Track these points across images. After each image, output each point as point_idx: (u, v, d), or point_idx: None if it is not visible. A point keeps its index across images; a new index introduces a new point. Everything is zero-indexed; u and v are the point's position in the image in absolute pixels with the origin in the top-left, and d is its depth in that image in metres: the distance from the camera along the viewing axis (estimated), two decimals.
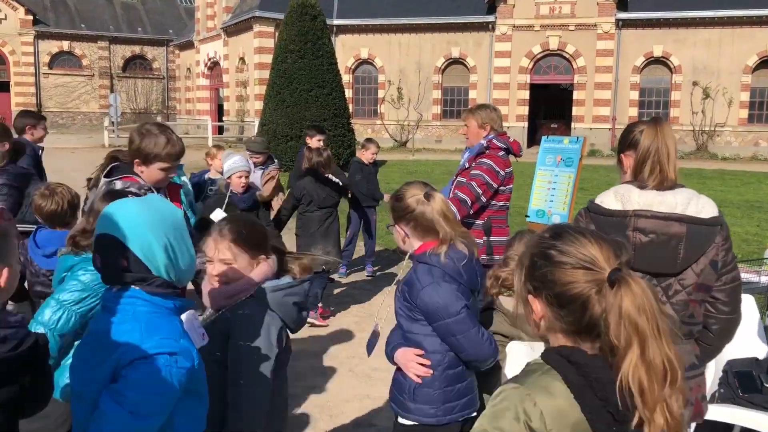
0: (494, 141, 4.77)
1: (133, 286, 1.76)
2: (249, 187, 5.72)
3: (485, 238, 4.68)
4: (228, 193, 5.56)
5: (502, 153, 4.78)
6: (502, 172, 4.68)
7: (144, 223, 1.76)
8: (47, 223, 3.70)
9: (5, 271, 1.55)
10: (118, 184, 3.17)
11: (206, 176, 6.63)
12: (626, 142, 2.53)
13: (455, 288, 2.56)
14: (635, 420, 1.32)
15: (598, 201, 2.47)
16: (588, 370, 1.36)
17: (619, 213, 2.38)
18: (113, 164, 3.39)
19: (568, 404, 1.36)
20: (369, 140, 8.54)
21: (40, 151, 6.28)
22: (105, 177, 3.31)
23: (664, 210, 2.33)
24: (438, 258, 2.59)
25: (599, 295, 1.36)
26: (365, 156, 8.29)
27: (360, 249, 8.71)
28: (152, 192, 3.17)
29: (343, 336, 6.15)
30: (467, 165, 4.74)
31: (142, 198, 1.89)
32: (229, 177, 5.55)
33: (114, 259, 1.75)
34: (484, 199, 4.62)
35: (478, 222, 4.72)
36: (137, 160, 3.22)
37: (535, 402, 1.36)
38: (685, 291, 2.36)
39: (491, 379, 2.76)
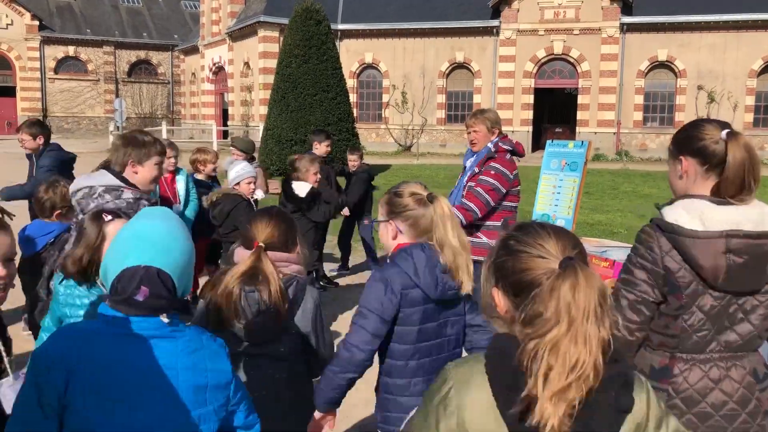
0: (501, 144, 4.81)
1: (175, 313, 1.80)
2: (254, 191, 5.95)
3: None
4: (251, 199, 5.80)
5: (509, 156, 4.82)
6: (511, 175, 4.74)
7: (189, 254, 1.82)
8: (39, 215, 3.97)
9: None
10: (128, 194, 3.19)
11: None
12: (693, 146, 2.27)
13: (388, 290, 2.55)
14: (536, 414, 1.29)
15: (671, 219, 2.21)
16: (511, 360, 1.36)
17: (706, 234, 2.16)
18: (112, 171, 3.37)
19: (484, 396, 1.39)
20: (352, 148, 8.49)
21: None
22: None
23: (750, 228, 2.17)
24: (407, 256, 2.58)
25: (549, 282, 1.38)
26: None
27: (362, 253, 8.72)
28: (144, 200, 3.20)
29: (340, 339, 6.13)
30: (477, 170, 4.78)
31: (163, 217, 1.87)
32: (237, 183, 5.72)
33: (161, 290, 1.74)
34: (492, 203, 4.65)
35: (491, 223, 4.79)
36: (131, 161, 3.27)
37: (449, 393, 1.43)
38: (763, 305, 2.25)
39: None
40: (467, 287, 2.60)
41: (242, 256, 2.53)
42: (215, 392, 1.77)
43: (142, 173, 3.28)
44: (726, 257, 2.15)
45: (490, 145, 4.85)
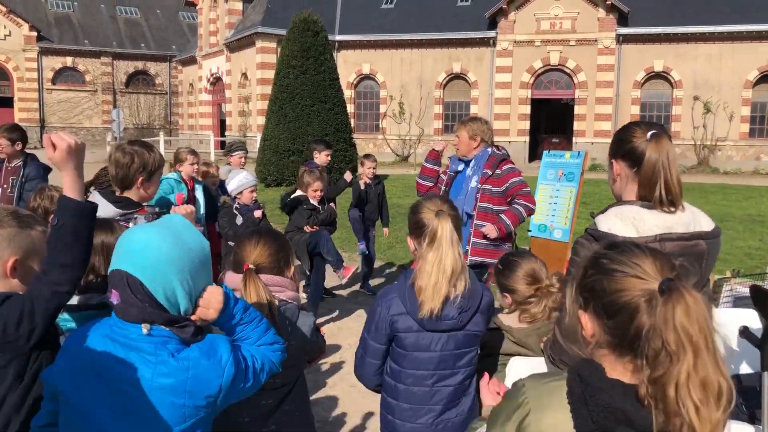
0: (490, 151, 5.17)
1: (161, 326, 1.73)
2: (256, 200, 6.17)
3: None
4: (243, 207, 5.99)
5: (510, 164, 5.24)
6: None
7: (170, 264, 1.71)
8: None
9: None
10: (141, 219, 2.99)
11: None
12: (623, 149, 2.26)
13: (380, 314, 2.58)
14: None
15: (605, 228, 2.18)
16: (593, 389, 1.31)
17: (640, 240, 2.10)
18: (111, 197, 3.12)
19: (562, 420, 1.35)
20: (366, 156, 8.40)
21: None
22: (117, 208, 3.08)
23: (682, 230, 2.17)
24: (406, 279, 2.57)
25: (649, 305, 1.29)
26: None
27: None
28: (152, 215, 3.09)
29: (343, 350, 6.12)
30: (489, 172, 5.07)
31: (165, 226, 1.79)
32: (240, 192, 5.92)
33: (137, 300, 1.71)
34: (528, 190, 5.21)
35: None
36: (141, 179, 3.10)
37: (529, 411, 1.40)
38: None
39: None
40: (423, 310, 2.46)
41: (232, 282, 2.30)
42: (197, 410, 1.74)
43: (151, 190, 3.17)
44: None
45: (481, 153, 5.14)
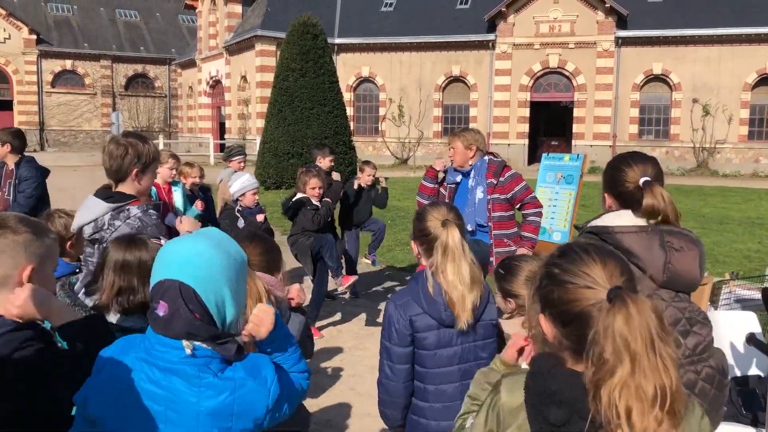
0: (488, 159, 5.22)
1: (203, 345, 1.65)
2: (258, 202, 6.28)
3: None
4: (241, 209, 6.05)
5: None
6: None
7: (222, 273, 1.66)
8: None
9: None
10: (134, 209, 2.97)
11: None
12: (615, 190, 2.39)
13: (397, 318, 2.61)
14: None
15: (604, 223, 2.31)
16: (546, 379, 1.38)
17: (641, 228, 2.24)
18: (102, 194, 3.07)
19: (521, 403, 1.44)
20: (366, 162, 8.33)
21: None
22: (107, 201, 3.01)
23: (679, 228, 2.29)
24: (423, 281, 2.62)
25: (600, 312, 1.34)
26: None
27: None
28: (152, 210, 3.02)
29: (344, 353, 6.12)
30: (494, 181, 5.11)
31: (209, 236, 1.74)
32: (242, 195, 5.98)
33: (188, 311, 1.63)
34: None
35: (515, 230, 5.23)
36: (135, 171, 3.03)
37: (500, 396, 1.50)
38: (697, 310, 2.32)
39: None
40: (461, 322, 2.56)
41: None
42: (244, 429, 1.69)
43: (145, 182, 3.10)
44: (665, 249, 2.21)
45: (478, 162, 5.19)
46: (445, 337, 2.61)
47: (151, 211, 2.98)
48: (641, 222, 2.26)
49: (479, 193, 5.15)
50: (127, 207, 2.97)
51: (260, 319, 1.79)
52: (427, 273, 2.59)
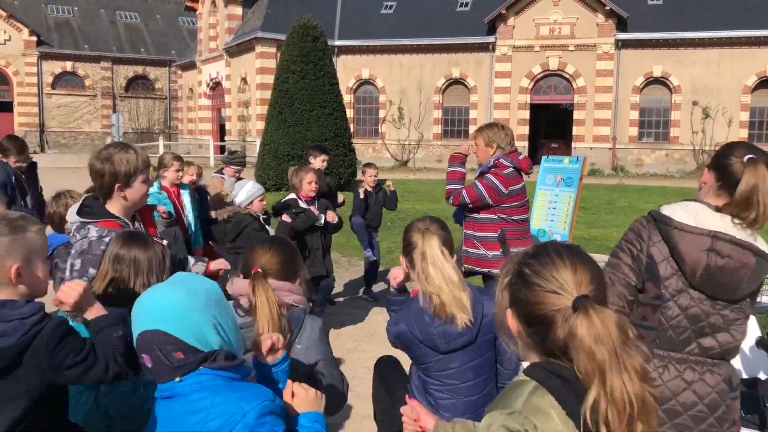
0: (501, 160, 4.84)
1: (199, 368, 1.72)
2: (265, 209, 6.16)
3: (501, 249, 4.86)
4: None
5: (508, 171, 4.81)
6: (504, 189, 4.72)
7: (190, 308, 1.72)
8: (53, 228, 4.04)
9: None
10: (93, 231, 2.77)
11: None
12: (717, 162, 2.42)
13: (398, 343, 2.78)
14: None
15: (666, 212, 2.36)
16: (576, 384, 1.34)
17: (695, 230, 2.28)
18: (84, 202, 2.93)
19: (563, 424, 1.33)
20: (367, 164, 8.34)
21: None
22: (79, 215, 2.85)
23: (739, 238, 2.28)
24: (409, 308, 2.71)
25: (563, 319, 1.34)
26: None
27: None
28: (107, 239, 2.75)
29: (345, 355, 6.11)
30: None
31: (172, 281, 1.81)
32: (250, 203, 5.89)
33: (167, 354, 1.70)
34: (490, 201, 4.75)
35: (488, 234, 4.84)
36: (118, 185, 2.84)
37: (535, 425, 1.32)
38: (741, 318, 2.36)
39: None
40: (459, 321, 2.59)
41: (240, 287, 2.34)
42: None
43: (130, 194, 2.89)
44: (708, 255, 2.25)
45: (491, 160, 4.89)
46: (442, 361, 2.68)
47: (105, 239, 2.71)
48: (711, 218, 2.29)
49: None
50: (89, 226, 2.79)
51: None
52: (419, 295, 2.66)
